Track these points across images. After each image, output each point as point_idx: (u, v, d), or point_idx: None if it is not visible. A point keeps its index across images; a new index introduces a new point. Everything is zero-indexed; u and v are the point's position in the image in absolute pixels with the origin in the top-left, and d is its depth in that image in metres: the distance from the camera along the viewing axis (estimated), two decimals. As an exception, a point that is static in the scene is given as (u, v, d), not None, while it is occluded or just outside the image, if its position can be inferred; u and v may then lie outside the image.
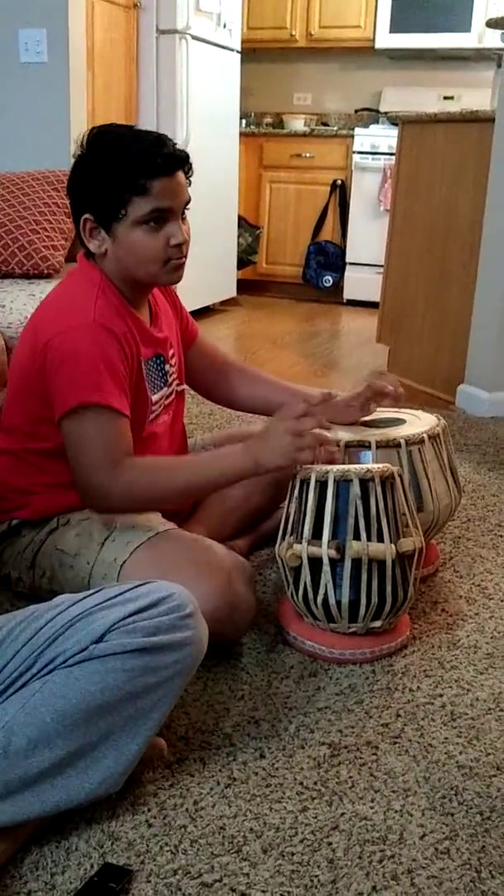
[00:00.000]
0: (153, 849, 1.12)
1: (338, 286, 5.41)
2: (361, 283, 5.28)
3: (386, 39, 5.31)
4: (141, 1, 4.03)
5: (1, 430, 1.69)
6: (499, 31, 3.06)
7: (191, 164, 1.53)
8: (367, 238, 5.19)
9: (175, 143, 1.53)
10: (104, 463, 1.47)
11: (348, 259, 5.35)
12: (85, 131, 1.54)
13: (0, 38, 3.51)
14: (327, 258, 5.40)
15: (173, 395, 1.75)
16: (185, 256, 1.56)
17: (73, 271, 1.65)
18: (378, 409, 1.89)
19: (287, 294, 5.63)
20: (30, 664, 1.11)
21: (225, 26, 4.52)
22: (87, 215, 1.52)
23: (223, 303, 5.15)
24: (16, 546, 1.66)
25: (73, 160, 1.55)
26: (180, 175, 1.52)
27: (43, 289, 2.17)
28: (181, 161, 1.51)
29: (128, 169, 1.46)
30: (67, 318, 1.52)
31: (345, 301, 5.42)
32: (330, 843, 1.14)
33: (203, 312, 4.85)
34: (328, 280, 5.40)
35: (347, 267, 5.36)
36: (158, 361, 1.68)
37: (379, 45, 5.33)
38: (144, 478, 1.50)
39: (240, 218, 5.20)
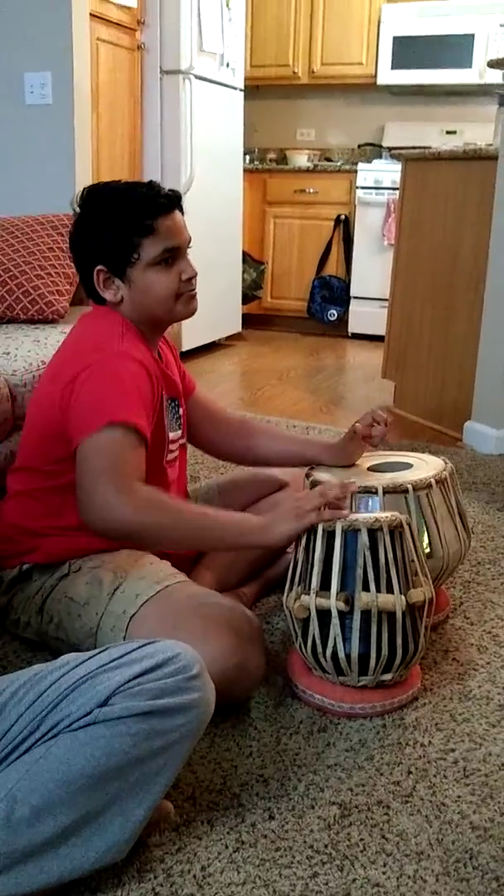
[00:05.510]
0: (160, 920, 1.09)
1: (342, 320, 5.42)
2: (366, 316, 5.29)
3: (388, 76, 5.36)
4: (145, 42, 4.08)
5: (15, 472, 1.70)
6: (500, 71, 3.08)
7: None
8: (371, 272, 5.21)
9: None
10: (112, 479, 1.41)
11: (353, 293, 5.37)
12: (78, 192, 1.61)
13: (6, 81, 3.54)
14: (332, 292, 5.42)
15: (179, 443, 1.74)
16: (195, 288, 1.63)
17: (90, 315, 1.67)
18: (384, 453, 1.88)
19: (292, 328, 5.64)
20: (34, 728, 1.09)
21: (228, 65, 4.57)
22: (99, 267, 1.57)
23: (228, 338, 5.16)
24: (26, 591, 1.65)
25: (73, 220, 1.61)
26: (178, 214, 1.60)
27: (48, 334, 2.16)
28: (178, 198, 1.60)
29: (132, 212, 1.54)
30: (95, 353, 1.54)
31: (349, 335, 5.43)
32: (342, 913, 1.11)
33: (208, 348, 4.85)
34: (333, 314, 5.41)
35: (352, 301, 5.38)
36: (174, 405, 1.71)
37: (381, 81, 5.38)
38: (152, 509, 1.43)
39: (244, 254, 5.23)
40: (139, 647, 1.15)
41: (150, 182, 1.59)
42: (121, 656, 1.13)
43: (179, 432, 1.74)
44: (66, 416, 1.51)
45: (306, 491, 1.59)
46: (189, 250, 1.62)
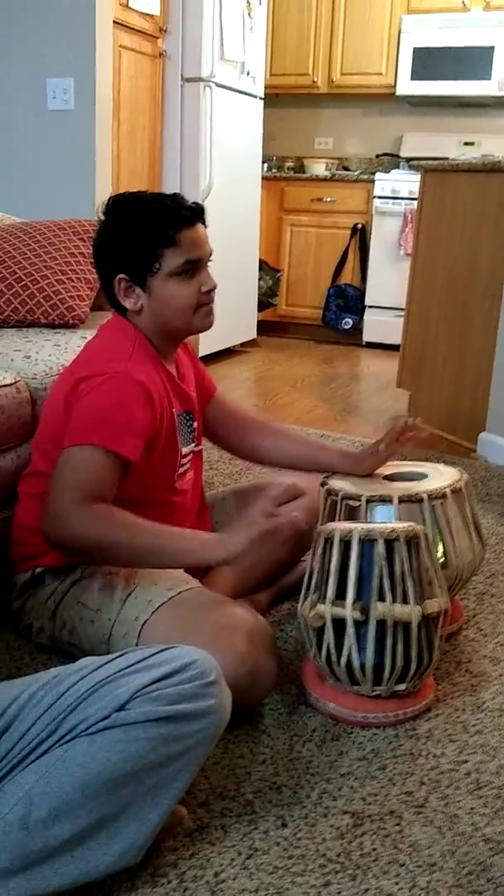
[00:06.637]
0: (173, 924, 1.10)
1: (357, 328, 5.43)
2: (380, 325, 5.29)
3: (407, 86, 5.36)
4: (167, 50, 4.10)
5: (27, 477, 1.72)
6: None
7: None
8: (386, 282, 5.21)
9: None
10: (75, 494, 1.46)
11: (368, 302, 5.37)
12: (103, 201, 1.64)
13: (29, 86, 3.57)
14: (347, 301, 5.42)
15: (192, 455, 1.76)
16: (213, 302, 1.65)
17: (107, 326, 1.70)
18: (399, 463, 1.88)
19: (307, 335, 5.65)
20: (52, 730, 1.10)
21: (248, 74, 4.59)
22: (120, 275, 1.59)
23: (243, 344, 5.17)
24: (38, 596, 1.66)
25: (97, 228, 1.63)
26: (202, 227, 1.62)
27: (69, 339, 2.18)
28: (201, 212, 1.62)
29: (156, 223, 1.56)
30: (102, 366, 1.57)
31: (364, 343, 5.43)
32: (354, 922, 1.11)
33: (224, 354, 4.87)
34: (347, 322, 5.41)
35: (367, 310, 5.38)
36: (188, 417, 1.72)
37: (400, 91, 5.38)
38: (106, 525, 1.45)
39: (260, 261, 5.24)
40: (157, 653, 1.16)
41: (176, 194, 1.61)
42: (139, 661, 1.14)
43: (193, 445, 1.76)
44: (67, 422, 1.56)
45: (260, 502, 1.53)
46: (209, 263, 1.64)
